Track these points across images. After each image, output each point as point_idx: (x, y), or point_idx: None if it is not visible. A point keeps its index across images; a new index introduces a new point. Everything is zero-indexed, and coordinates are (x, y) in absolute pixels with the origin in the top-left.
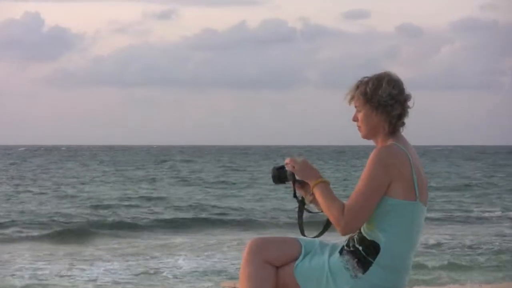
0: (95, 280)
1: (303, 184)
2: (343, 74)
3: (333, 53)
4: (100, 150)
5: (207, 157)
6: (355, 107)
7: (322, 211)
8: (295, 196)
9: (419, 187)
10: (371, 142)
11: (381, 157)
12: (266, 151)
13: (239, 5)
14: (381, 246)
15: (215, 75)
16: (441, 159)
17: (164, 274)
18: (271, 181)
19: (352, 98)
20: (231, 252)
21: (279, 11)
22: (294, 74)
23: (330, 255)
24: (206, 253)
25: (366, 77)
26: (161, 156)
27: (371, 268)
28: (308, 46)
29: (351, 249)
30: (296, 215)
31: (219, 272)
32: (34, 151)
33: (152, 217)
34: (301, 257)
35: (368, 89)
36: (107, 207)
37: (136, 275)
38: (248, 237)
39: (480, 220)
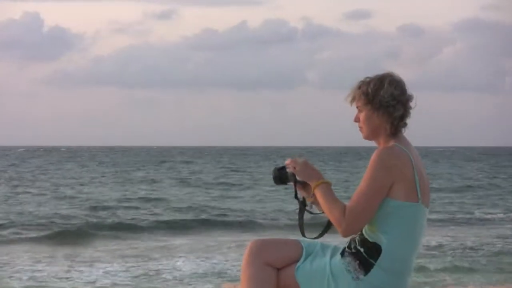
0: (94, 282)
1: (304, 185)
2: (344, 74)
3: (334, 53)
4: (100, 151)
5: (207, 158)
6: (357, 107)
7: (323, 212)
8: (296, 197)
9: (421, 188)
10: (373, 143)
11: (383, 158)
12: (266, 152)
13: (240, 5)
14: (383, 248)
15: (215, 75)
16: (443, 160)
17: (164, 276)
18: (271, 182)
19: (353, 99)
20: (231, 253)
21: (280, 11)
22: (295, 75)
23: (331, 257)
24: (206, 255)
25: (368, 77)
26: (161, 157)
27: (372, 270)
28: (309, 46)
29: (353, 251)
30: (297, 216)
31: (219, 274)
32: (33, 152)
33: (151, 218)
34: (302, 259)
35: (369, 90)
36: (107, 208)
37: (136, 277)
38: (249, 239)
39: (482, 221)
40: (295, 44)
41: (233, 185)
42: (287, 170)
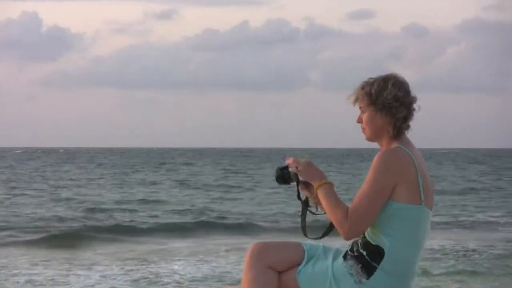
0: (92, 286)
1: (307, 185)
2: (346, 75)
3: (336, 54)
4: (99, 152)
5: (207, 159)
6: (360, 108)
7: (326, 213)
8: (298, 197)
9: (424, 191)
10: (375, 145)
11: (385, 160)
12: (268, 154)
13: (241, 5)
14: (386, 251)
15: (216, 76)
16: (447, 162)
17: (164, 279)
18: (273, 183)
19: (356, 99)
20: (232, 256)
21: (282, 11)
22: (297, 75)
23: (333, 260)
24: (206, 258)
25: (372, 78)
26: (160, 158)
27: (375, 273)
28: (311, 47)
29: (355, 254)
30: (299, 218)
31: (219, 277)
32: (31, 153)
33: (151, 220)
34: (304, 262)
35: (373, 90)
36: (105, 210)
37: (135, 280)
38: (249, 242)
39: (486, 224)
40: (297, 45)
41: (233, 187)
42: (290, 169)
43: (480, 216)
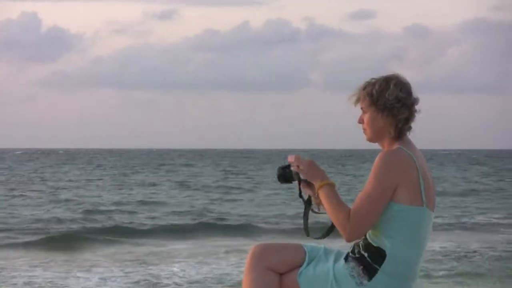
0: None
1: (309, 184)
2: (347, 76)
3: (338, 54)
4: (99, 153)
5: (207, 160)
6: (361, 108)
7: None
8: (300, 195)
9: (426, 192)
10: (377, 146)
11: (386, 161)
12: (268, 155)
13: (242, 5)
14: (387, 252)
15: (217, 76)
16: (449, 164)
17: (164, 281)
18: (275, 183)
19: (358, 100)
20: (232, 258)
21: (283, 11)
22: (298, 76)
23: (335, 262)
24: (206, 260)
25: (374, 78)
26: (160, 159)
27: (377, 275)
28: (312, 47)
29: (357, 255)
30: (301, 220)
31: (219, 279)
32: (31, 154)
33: (151, 222)
34: (305, 264)
35: (374, 91)
36: (104, 212)
37: (135, 282)
38: (249, 243)
39: (487, 226)
40: (298, 45)
41: (233, 188)
42: (292, 168)
43: (482, 218)
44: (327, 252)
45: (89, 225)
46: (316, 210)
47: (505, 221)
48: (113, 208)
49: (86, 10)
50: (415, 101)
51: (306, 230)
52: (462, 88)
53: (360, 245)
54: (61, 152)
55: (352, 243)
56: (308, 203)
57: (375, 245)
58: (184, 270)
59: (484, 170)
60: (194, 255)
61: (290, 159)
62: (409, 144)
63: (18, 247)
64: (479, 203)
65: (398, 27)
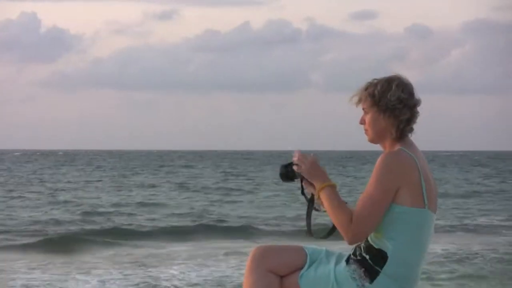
0: None
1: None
2: (348, 76)
3: (338, 55)
4: (98, 154)
5: (207, 162)
6: (363, 109)
7: None
8: (303, 193)
9: (427, 194)
10: (378, 147)
11: (388, 162)
12: (268, 156)
13: (243, 6)
14: (389, 254)
15: (217, 77)
16: (451, 165)
17: (163, 284)
18: (274, 185)
19: (359, 100)
20: (232, 260)
21: (284, 11)
22: (299, 77)
23: (336, 264)
24: (206, 262)
25: (376, 79)
26: (160, 161)
27: (378, 277)
28: (313, 48)
29: (358, 258)
30: (304, 217)
31: (219, 281)
32: (30, 155)
33: (150, 224)
34: (306, 266)
35: (376, 91)
36: (103, 213)
37: (134, 285)
38: (249, 245)
39: (489, 228)
40: (299, 45)
41: (233, 189)
42: (294, 167)
43: (484, 220)
44: (328, 254)
45: (88, 227)
46: (319, 209)
47: (507, 223)
48: (112, 209)
49: (86, 10)
50: (417, 102)
51: (310, 230)
52: (464, 89)
53: (362, 247)
54: (60, 153)
55: (353, 245)
56: (311, 201)
57: (376, 247)
58: (184, 273)
59: (486, 171)
60: (194, 257)
61: (295, 156)
62: (410, 145)
63: (16, 249)
64: (481, 205)
65: (401, 28)
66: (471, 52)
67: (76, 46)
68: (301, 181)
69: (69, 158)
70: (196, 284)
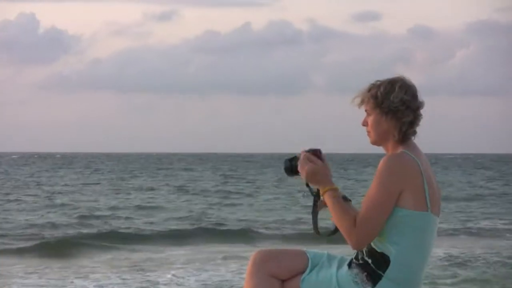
0: None
1: None
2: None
3: (341, 56)
4: (97, 157)
5: (207, 165)
6: (365, 111)
7: None
8: (307, 185)
9: (430, 197)
10: (381, 150)
11: (390, 165)
12: (269, 159)
13: (243, 6)
14: (391, 258)
15: (217, 79)
16: (454, 168)
17: None
18: (274, 188)
19: (362, 102)
20: (231, 264)
21: (285, 12)
22: (300, 78)
23: (338, 268)
24: (205, 266)
25: (379, 80)
26: (159, 164)
27: (380, 282)
28: (315, 49)
29: (360, 262)
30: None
31: (219, 286)
32: (27, 158)
33: (149, 228)
34: (308, 270)
35: (379, 93)
36: (101, 217)
37: None
38: (249, 249)
39: (493, 231)
40: (300, 47)
41: (233, 192)
42: (299, 162)
43: (487, 223)
44: (330, 258)
45: (85, 230)
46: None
47: (511, 226)
48: (110, 213)
49: (85, 11)
50: (420, 104)
51: (316, 227)
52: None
53: (364, 251)
54: (58, 156)
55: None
56: (317, 196)
57: (379, 250)
58: (183, 277)
59: (490, 174)
60: (193, 261)
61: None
62: (413, 148)
63: (13, 253)
64: (484, 208)
65: (404, 29)
66: (475, 53)
67: (74, 47)
68: None
69: (67, 160)
70: None
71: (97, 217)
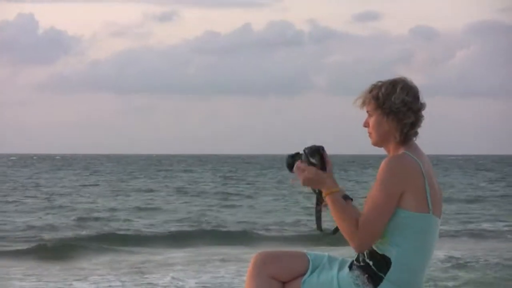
0: None
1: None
2: (352, 79)
3: (342, 57)
4: (96, 159)
5: (207, 166)
6: (367, 112)
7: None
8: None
9: (432, 198)
10: (382, 152)
11: (392, 166)
12: (270, 160)
13: (244, 7)
14: (393, 260)
15: (218, 80)
16: (455, 169)
17: None
18: (275, 189)
19: (363, 103)
20: (231, 266)
21: (286, 13)
22: (301, 79)
23: (339, 270)
24: (204, 268)
25: (380, 81)
26: (159, 165)
27: (382, 284)
28: (316, 50)
29: (361, 264)
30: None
31: None
32: (26, 160)
33: (148, 229)
34: (309, 272)
35: (380, 94)
36: (100, 218)
37: None
38: (249, 251)
39: (494, 233)
40: (302, 48)
41: (233, 194)
42: (301, 154)
43: (488, 225)
44: (331, 260)
45: (84, 232)
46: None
47: None
48: (109, 214)
49: (84, 11)
50: (421, 106)
51: (319, 223)
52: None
53: (365, 253)
54: (57, 157)
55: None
56: (320, 193)
57: (380, 252)
58: (182, 279)
59: (491, 176)
60: (192, 263)
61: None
62: (415, 149)
63: (11, 255)
64: (485, 209)
65: (405, 29)
66: (476, 53)
67: (74, 48)
68: None
69: (66, 162)
70: None
71: (96, 219)
